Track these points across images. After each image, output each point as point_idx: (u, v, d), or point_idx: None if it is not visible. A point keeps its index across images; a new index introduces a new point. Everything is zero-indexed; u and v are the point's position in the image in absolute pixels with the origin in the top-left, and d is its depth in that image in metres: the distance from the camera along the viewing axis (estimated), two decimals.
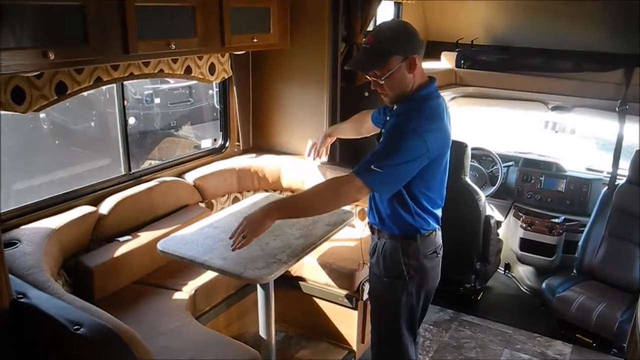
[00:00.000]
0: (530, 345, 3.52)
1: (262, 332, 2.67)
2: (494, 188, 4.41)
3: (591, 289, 3.58)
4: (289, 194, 3.61)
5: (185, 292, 2.69)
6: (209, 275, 2.79)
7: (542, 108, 4.31)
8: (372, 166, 1.92)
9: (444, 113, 2.06)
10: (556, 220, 4.17)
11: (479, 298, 4.06)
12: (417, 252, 2.12)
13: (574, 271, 3.87)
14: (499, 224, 4.27)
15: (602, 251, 3.72)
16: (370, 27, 3.43)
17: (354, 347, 3.09)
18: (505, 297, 4.22)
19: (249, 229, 1.98)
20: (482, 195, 3.64)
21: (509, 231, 4.42)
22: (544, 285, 3.77)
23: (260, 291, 2.54)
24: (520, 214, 4.28)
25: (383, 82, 1.97)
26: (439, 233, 2.20)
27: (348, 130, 2.76)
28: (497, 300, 4.15)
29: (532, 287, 4.27)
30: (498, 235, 4.08)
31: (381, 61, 1.94)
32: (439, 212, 2.19)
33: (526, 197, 4.42)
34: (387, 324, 2.27)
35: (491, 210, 4.36)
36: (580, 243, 3.85)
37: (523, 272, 4.41)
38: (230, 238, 2.02)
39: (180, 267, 2.83)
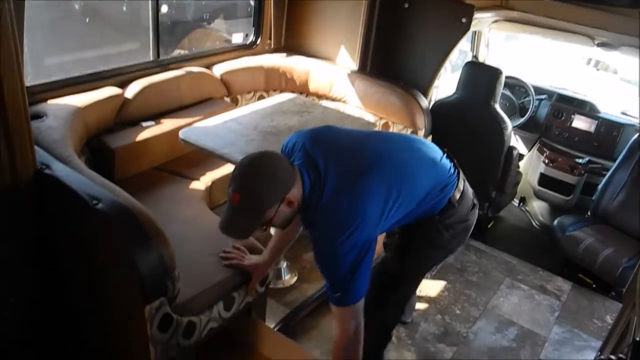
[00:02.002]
0: (532, 277, 3.58)
1: (272, 230, 2.74)
2: (522, 119, 4.33)
3: (602, 233, 3.59)
4: (315, 98, 3.59)
5: (202, 183, 2.74)
6: (227, 168, 2.83)
7: (587, 42, 4.11)
8: (337, 293, 1.74)
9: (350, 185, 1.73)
10: (580, 160, 4.11)
11: (489, 226, 4.10)
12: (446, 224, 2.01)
13: (588, 213, 3.86)
14: (521, 156, 4.22)
15: (621, 197, 3.69)
16: None
17: None
18: (515, 230, 4.26)
19: None
20: (509, 124, 3.57)
21: (530, 165, 4.38)
22: (555, 222, 3.78)
23: None
24: (545, 150, 4.22)
25: (266, 229, 1.76)
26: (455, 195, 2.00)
27: (283, 243, 2.20)
28: (507, 231, 4.19)
29: (543, 223, 4.28)
30: (519, 167, 4.04)
31: (254, 220, 1.66)
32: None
33: (554, 133, 4.34)
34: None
35: (516, 142, 4.31)
36: (600, 186, 3.81)
37: (537, 207, 4.42)
38: None
39: (200, 158, 2.87)
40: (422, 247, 2.04)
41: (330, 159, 1.75)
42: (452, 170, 2.00)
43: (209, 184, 2.76)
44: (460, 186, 2.01)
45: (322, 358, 2.64)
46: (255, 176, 1.64)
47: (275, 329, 2.59)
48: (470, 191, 2.08)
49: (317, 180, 1.72)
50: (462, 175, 2.05)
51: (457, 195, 1.98)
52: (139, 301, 1.74)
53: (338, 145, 1.83)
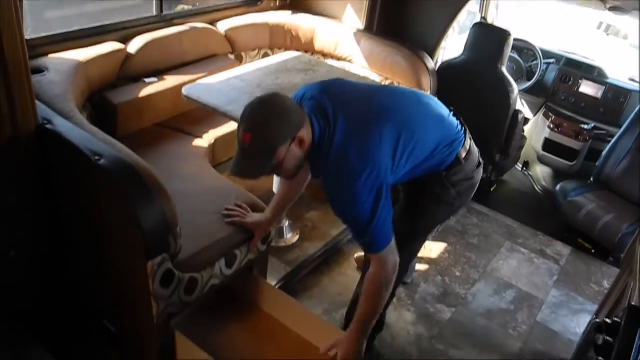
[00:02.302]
0: (532, 241, 3.61)
1: (275, 188, 2.75)
2: (529, 83, 4.27)
3: (603, 199, 3.59)
4: (320, 57, 3.54)
5: (205, 140, 2.74)
6: (230, 126, 2.82)
7: (599, 6, 4.04)
8: (364, 240, 1.76)
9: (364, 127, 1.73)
10: (585, 126, 4.07)
11: (492, 190, 4.10)
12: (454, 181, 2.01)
13: (591, 179, 3.85)
14: (526, 120, 4.19)
15: (624, 164, 3.67)
16: None
17: None
18: (518, 194, 4.26)
19: (353, 358, 1.90)
20: (515, 88, 3.53)
21: (535, 130, 4.35)
22: (558, 187, 3.78)
23: None
24: (550, 114, 4.19)
25: (279, 173, 1.74)
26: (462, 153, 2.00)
27: (289, 196, 2.20)
28: (509, 195, 4.19)
29: (546, 188, 4.28)
30: (523, 131, 4.02)
31: (267, 160, 1.63)
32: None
33: (560, 98, 4.29)
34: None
35: (521, 106, 4.26)
36: (604, 152, 3.79)
37: (541, 172, 4.41)
38: None
39: (203, 115, 2.87)
40: (428, 204, 2.05)
41: (339, 108, 1.74)
42: (459, 127, 2.00)
43: (212, 141, 2.76)
44: (467, 144, 2.01)
45: (323, 316, 2.69)
46: (267, 113, 1.62)
47: (277, 287, 2.62)
48: (476, 150, 2.09)
49: (326, 127, 1.71)
50: (468, 133, 2.05)
51: (464, 153, 1.98)
52: (141, 257, 1.76)
53: (348, 95, 1.83)
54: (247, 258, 2.20)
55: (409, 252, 2.21)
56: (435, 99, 2.05)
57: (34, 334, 2.15)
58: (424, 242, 2.28)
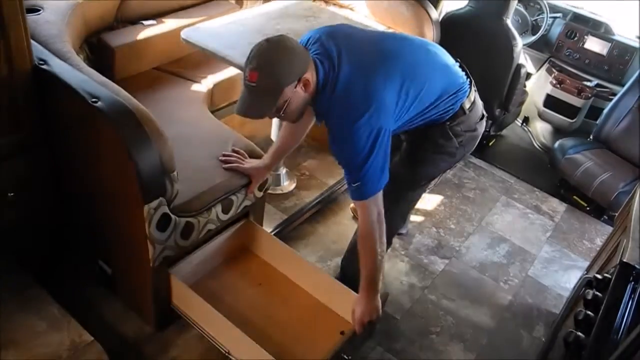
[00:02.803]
0: (528, 197, 3.63)
1: (273, 136, 2.75)
2: (534, 37, 4.20)
3: (601, 157, 3.58)
4: (322, 3, 3.46)
5: (204, 85, 2.71)
6: (229, 72, 2.79)
7: None
8: (352, 184, 1.76)
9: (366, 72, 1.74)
10: (588, 83, 4.03)
11: (490, 144, 4.09)
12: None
13: (590, 137, 3.84)
14: (528, 75, 4.14)
15: (625, 123, 3.65)
16: None
17: None
18: (516, 149, 4.25)
19: (370, 315, 1.93)
20: (519, 42, 3.47)
21: (537, 85, 4.30)
22: (557, 144, 3.77)
23: None
24: (553, 70, 4.13)
25: (283, 114, 1.72)
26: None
27: (289, 142, 2.22)
28: (507, 150, 4.19)
29: (545, 144, 4.27)
30: (525, 87, 3.98)
31: (273, 99, 1.64)
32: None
33: (564, 53, 4.22)
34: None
35: (525, 60, 4.21)
36: (605, 110, 3.76)
37: (540, 128, 4.39)
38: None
39: (201, 60, 2.83)
40: (430, 153, 2.06)
41: (344, 51, 1.74)
42: (464, 78, 2.00)
43: (211, 86, 2.72)
44: (472, 96, 2.02)
45: (317, 263, 2.72)
46: (274, 53, 1.62)
47: (272, 234, 2.65)
48: (480, 102, 2.09)
49: (330, 69, 1.72)
50: (473, 85, 2.05)
51: (468, 104, 1.99)
52: (138, 201, 1.77)
53: (353, 40, 1.83)
54: (243, 204, 2.21)
55: (408, 201, 2.23)
56: (442, 49, 2.03)
57: (32, 275, 2.18)
58: (422, 192, 2.29)
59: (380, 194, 1.80)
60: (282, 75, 1.62)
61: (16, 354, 1.91)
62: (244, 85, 1.65)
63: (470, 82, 2.03)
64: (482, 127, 2.12)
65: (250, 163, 2.21)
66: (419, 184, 2.20)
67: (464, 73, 2.02)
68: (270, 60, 1.62)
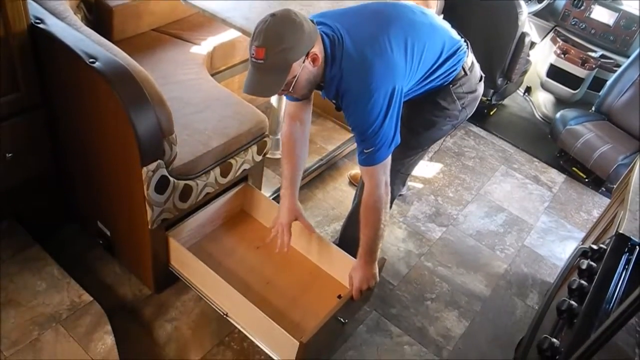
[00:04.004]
0: (527, 167, 3.63)
1: (273, 100, 2.73)
2: (540, 5, 4.14)
3: (602, 129, 3.57)
4: None
5: (203, 48, 2.68)
6: (230, 34, 2.75)
7: None
8: (365, 150, 1.75)
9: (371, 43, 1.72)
10: (593, 54, 3.98)
11: (491, 113, 4.07)
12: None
13: (593, 109, 3.82)
14: (532, 44, 4.09)
15: (627, 95, 3.62)
16: None
17: None
18: (517, 119, 4.23)
19: (368, 282, 1.97)
20: (524, 10, 3.41)
21: (541, 54, 4.26)
22: (558, 114, 3.75)
23: None
24: (558, 40, 4.08)
25: (292, 90, 1.67)
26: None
27: (296, 165, 2.10)
28: (508, 120, 4.17)
29: (546, 115, 4.25)
30: (529, 56, 3.93)
31: (281, 76, 1.59)
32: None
33: (570, 23, 4.17)
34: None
35: (529, 28, 4.15)
36: (609, 82, 3.73)
37: (542, 98, 4.36)
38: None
39: (201, 22, 2.79)
40: (434, 116, 2.06)
41: (344, 24, 1.73)
42: (461, 37, 2.02)
43: (211, 49, 2.69)
44: (470, 56, 2.05)
45: (316, 229, 2.74)
46: (280, 28, 1.56)
47: (271, 198, 2.65)
48: (477, 63, 2.11)
49: (336, 40, 1.69)
50: (469, 45, 2.07)
51: (469, 62, 2.02)
52: (136, 163, 1.76)
53: (350, 13, 1.83)
54: (242, 167, 2.21)
55: (409, 164, 2.25)
56: (435, 15, 2.05)
57: (32, 235, 2.19)
58: (424, 154, 2.30)
59: (389, 160, 1.79)
60: (290, 51, 1.56)
61: (16, 313, 1.94)
62: (251, 63, 1.59)
63: (466, 42, 2.04)
64: (481, 88, 2.14)
65: (283, 218, 2.11)
66: (422, 148, 2.21)
67: (459, 34, 2.04)
68: (277, 35, 1.55)
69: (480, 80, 2.12)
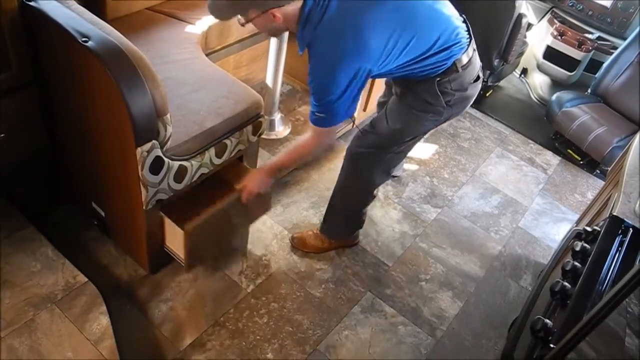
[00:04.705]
0: (522, 149, 3.63)
1: (269, 80, 2.71)
2: None
3: (598, 112, 3.57)
4: None
5: (198, 27, 2.64)
6: None
7: None
8: (316, 112, 1.84)
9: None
10: (590, 35, 3.97)
11: (487, 95, 4.06)
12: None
13: (588, 91, 3.81)
14: (529, 26, 4.07)
15: (623, 78, 3.62)
16: None
17: (355, 114, 3.15)
18: (513, 101, 4.22)
19: (259, 188, 2.14)
20: None
21: (538, 36, 4.24)
22: (554, 96, 3.74)
23: (273, 39, 2.52)
24: (555, 21, 4.06)
25: (255, 27, 1.83)
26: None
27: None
28: (504, 102, 4.16)
29: (542, 97, 4.24)
30: (525, 37, 3.91)
31: (233, 12, 1.75)
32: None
33: (567, 4, 4.14)
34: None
35: (526, 10, 4.12)
36: (605, 64, 3.72)
37: (538, 80, 4.35)
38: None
39: (196, 1, 2.75)
40: (416, 110, 2.02)
41: None
42: (464, 33, 1.94)
43: (205, 28, 2.65)
44: (469, 53, 1.96)
45: (310, 209, 2.74)
46: None
47: None
48: (478, 63, 2.03)
49: (319, 3, 1.71)
50: (473, 44, 2.00)
51: (464, 60, 1.93)
52: (130, 143, 1.75)
53: None
54: (237, 148, 2.20)
55: (392, 155, 2.21)
56: (448, 5, 1.96)
57: (26, 216, 2.19)
58: (408, 149, 2.25)
59: (335, 128, 1.92)
60: (236, 5, 1.71)
61: (11, 294, 1.93)
62: None
63: (470, 39, 1.98)
64: (474, 90, 2.06)
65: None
66: (402, 140, 2.16)
67: (466, 30, 1.96)
68: None
69: (475, 81, 2.03)
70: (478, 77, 2.05)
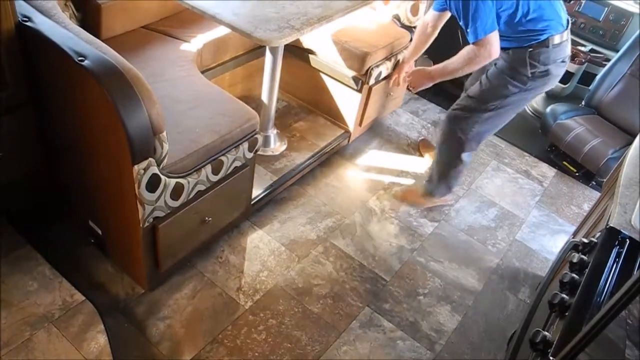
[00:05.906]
0: (518, 162, 3.64)
1: (264, 97, 2.72)
2: None
3: (592, 123, 3.59)
4: None
5: (193, 45, 2.66)
6: (220, 31, 2.74)
7: None
8: (469, 30, 2.22)
9: None
10: (582, 48, 4.01)
11: None
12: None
13: (582, 103, 3.84)
14: None
15: (617, 89, 3.64)
16: None
17: (351, 129, 3.18)
18: None
19: (415, 78, 2.76)
20: None
21: None
22: (548, 109, 3.76)
23: (268, 55, 2.53)
24: None
25: None
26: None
27: (419, 46, 2.89)
28: None
29: (536, 110, 4.26)
30: None
31: None
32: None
33: None
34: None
35: None
36: (598, 76, 3.75)
37: None
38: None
39: (192, 18, 2.77)
40: (504, 73, 2.41)
41: None
42: (565, 19, 2.35)
43: (200, 46, 2.68)
44: (565, 36, 2.34)
45: (307, 225, 2.74)
46: None
47: (262, 195, 2.66)
48: (568, 48, 2.39)
49: None
50: (569, 32, 2.37)
51: (557, 40, 2.31)
52: (127, 161, 1.75)
53: None
54: (233, 165, 2.20)
55: (479, 123, 2.58)
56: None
57: (23, 235, 2.18)
58: (492, 118, 2.57)
59: (492, 37, 2.23)
60: None
61: (8, 314, 1.92)
62: None
63: (568, 26, 2.35)
64: (558, 70, 2.40)
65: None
66: (489, 102, 2.50)
67: (567, 20, 2.35)
68: None
69: (561, 62, 2.37)
70: (563, 61, 2.39)
